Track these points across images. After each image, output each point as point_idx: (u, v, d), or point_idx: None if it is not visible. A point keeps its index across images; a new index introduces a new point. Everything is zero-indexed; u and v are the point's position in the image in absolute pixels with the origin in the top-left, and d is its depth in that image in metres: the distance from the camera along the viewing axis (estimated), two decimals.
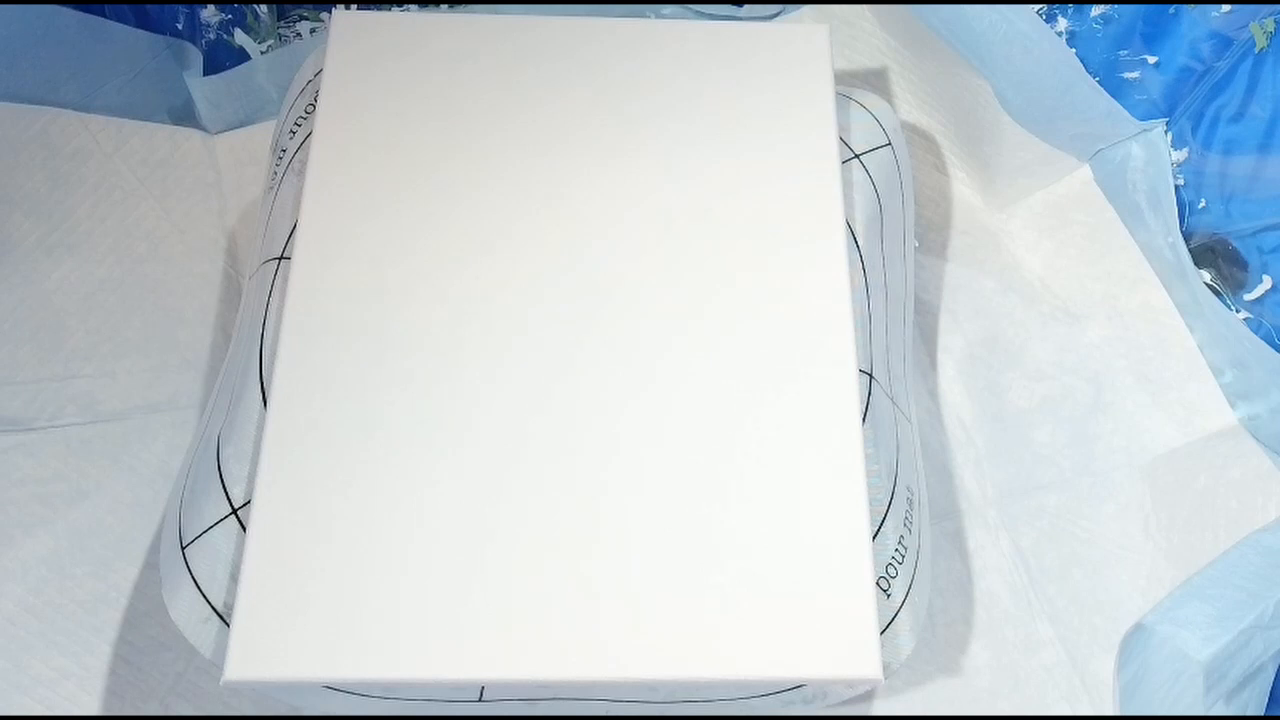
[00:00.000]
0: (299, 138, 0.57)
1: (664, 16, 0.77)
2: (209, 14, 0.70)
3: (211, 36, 0.71)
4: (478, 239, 0.52)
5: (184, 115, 0.76)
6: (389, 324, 0.49)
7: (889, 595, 0.50)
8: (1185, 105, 0.66)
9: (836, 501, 0.47)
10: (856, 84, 0.65)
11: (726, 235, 0.52)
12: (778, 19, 0.80)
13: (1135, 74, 0.67)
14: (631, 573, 0.45)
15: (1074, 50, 0.66)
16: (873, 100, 0.62)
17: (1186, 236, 0.68)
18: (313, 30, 0.75)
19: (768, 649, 0.44)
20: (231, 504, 0.48)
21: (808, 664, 0.44)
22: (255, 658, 0.43)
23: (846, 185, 0.56)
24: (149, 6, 0.68)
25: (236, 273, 0.75)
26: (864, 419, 0.51)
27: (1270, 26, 0.60)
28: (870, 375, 0.53)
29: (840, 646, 0.44)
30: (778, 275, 0.51)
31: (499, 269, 0.51)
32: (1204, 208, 0.67)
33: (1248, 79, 0.62)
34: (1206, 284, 0.68)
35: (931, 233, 0.79)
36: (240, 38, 0.72)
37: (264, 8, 0.72)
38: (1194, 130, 0.66)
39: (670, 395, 0.49)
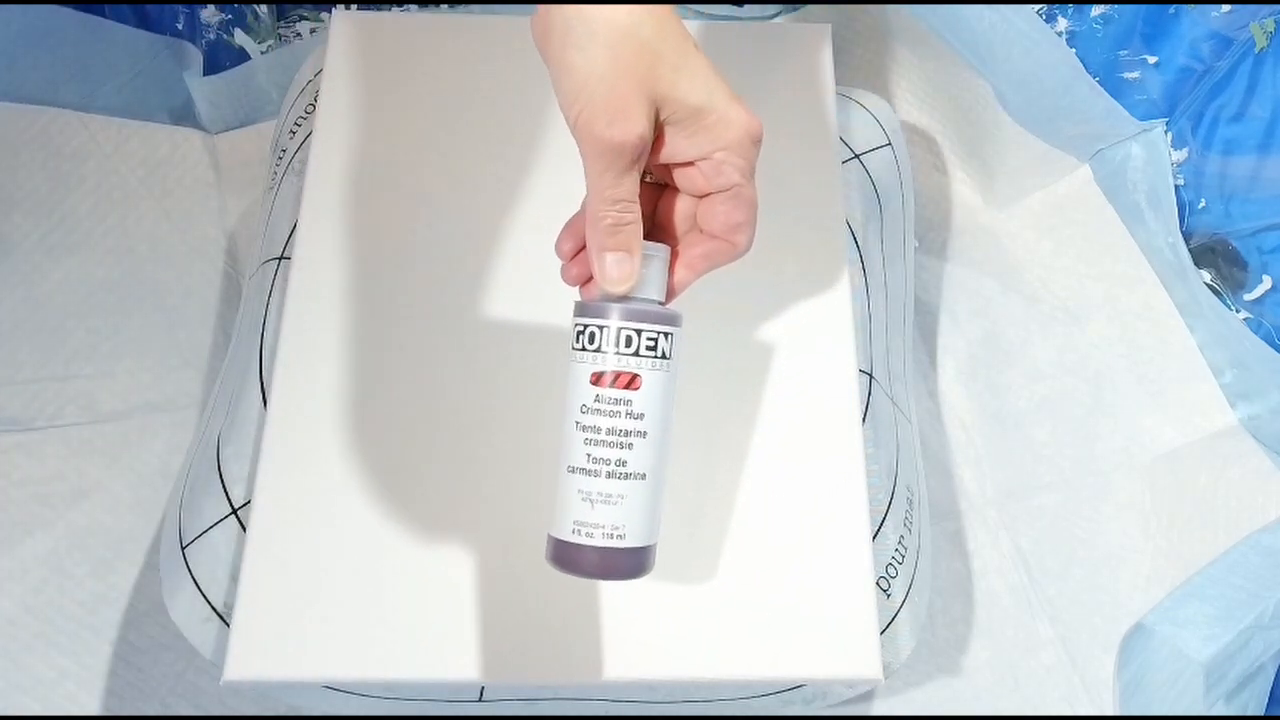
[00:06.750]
0: (299, 138, 0.57)
1: None
2: (209, 14, 0.70)
3: (211, 36, 0.71)
4: (478, 238, 0.52)
5: (184, 115, 0.76)
6: (388, 324, 0.49)
7: (889, 595, 0.50)
8: (1185, 105, 0.66)
9: (836, 502, 0.47)
10: (856, 84, 0.65)
11: None
12: (778, 19, 0.80)
13: (1135, 74, 0.67)
14: None
15: (1074, 50, 0.66)
16: (873, 100, 0.62)
17: (1186, 236, 0.68)
18: (313, 30, 0.75)
19: (769, 649, 0.44)
20: (231, 504, 0.48)
21: (808, 664, 0.44)
22: (255, 658, 0.43)
23: (846, 185, 0.56)
24: (149, 6, 0.68)
25: (236, 273, 0.75)
26: (864, 419, 0.51)
27: (1270, 26, 0.60)
28: (870, 375, 0.53)
29: (840, 647, 0.44)
30: (778, 275, 0.51)
31: (499, 268, 0.51)
32: (1204, 208, 0.67)
33: (1248, 79, 0.62)
34: (1206, 284, 0.68)
35: (931, 233, 0.79)
36: (240, 38, 0.72)
37: (264, 8, 0.72)
38: (1194, 130, 0.66)
39: None
